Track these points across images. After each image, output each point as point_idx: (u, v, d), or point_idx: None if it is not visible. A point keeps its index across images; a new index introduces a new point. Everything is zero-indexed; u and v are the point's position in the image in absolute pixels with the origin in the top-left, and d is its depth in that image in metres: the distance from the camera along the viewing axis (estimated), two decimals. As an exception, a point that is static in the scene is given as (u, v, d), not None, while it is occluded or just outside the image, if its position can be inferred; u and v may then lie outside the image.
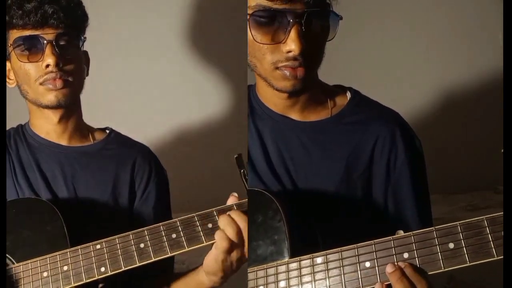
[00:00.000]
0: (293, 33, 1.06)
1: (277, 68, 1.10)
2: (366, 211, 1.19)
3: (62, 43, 1.25)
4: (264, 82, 1.15)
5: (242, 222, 1.11)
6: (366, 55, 2.13)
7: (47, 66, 1.23)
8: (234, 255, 1.12)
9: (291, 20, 1.05)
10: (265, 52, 1.10)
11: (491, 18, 2.04)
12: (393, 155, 1.19)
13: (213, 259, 1.12)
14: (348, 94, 1.25)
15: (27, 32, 1.24)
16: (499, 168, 0.95)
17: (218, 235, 1.11)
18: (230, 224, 1.10)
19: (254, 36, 1.08)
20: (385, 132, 1.20)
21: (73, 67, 1.27)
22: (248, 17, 1.08)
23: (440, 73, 2.18)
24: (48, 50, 1.23)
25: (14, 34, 1.25)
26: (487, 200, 2.07)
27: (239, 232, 1.10)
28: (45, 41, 1.23)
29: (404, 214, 1.19)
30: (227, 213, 1.12)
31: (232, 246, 1.10)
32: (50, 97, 1.25)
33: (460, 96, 2.18)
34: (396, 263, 0.98)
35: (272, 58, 1.09)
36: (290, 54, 1.07)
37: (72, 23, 1.27)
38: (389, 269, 0.98)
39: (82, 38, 1.30)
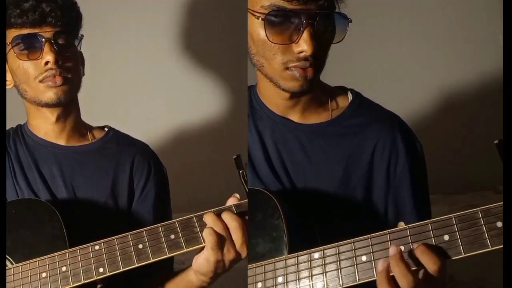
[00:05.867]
0: (305, 34, 1.06)
1: (287, 68, 1.10)
2: (365, 214, 1.19)
3: (60, 41, 1.25)
4: (270, 82, 1.15)
5: (232, 221, 1.10)
6: (367, 55, 2.14)
7: (46, 63, 1.23)
8: (226, 255, 1.11)
9: (304, 21, 1.05)
10: (275, 52, 1.09)
11: (491, 18, 2.04)
12: (393, 160, 1.19)
13: (205, 259, 1.12)
14: (350, 96, 1.24)
15: (25, 31, 1.24)
16: (499, 168, 0.94)
17: (205, 232, 1.10)
18: (216, 221, 1.10)
19: (268, 36, 1.08)
20: (385, 136, 1.19)
21: (71, 64, 1.27)
22: (263, 18, 1.07)
23: (440, 74, 2.18)
24: (47, 48, 1.23)
25: (12, 33, 1.25)
26: (487, 200, 2.06)
27: (226, 228, 1.10)
28: (43, 39, 1.23)
29: (404, 219, 1.17)
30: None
31: (222, 243, 1.10)
32: (50, 95, 1.25)
33: (460, 96, 2.18)
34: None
35: (283, 58, 1.09)
36: (302, 55, 1.07)
37: (69, 22, 1.27)
38: (390, 251, 0.96)
39: (79, 36, 1.30)
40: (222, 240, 1.10)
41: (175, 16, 2.03)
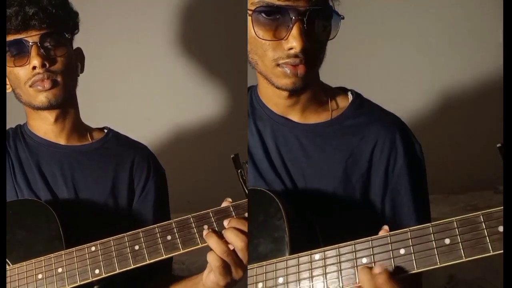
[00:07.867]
0: (294, 30, 1.05)
1: (278, 65, 1.09)
2: (364, 214, 1.18)
3: (46, 44, 1.24)
4: (265, 80, 1.15)
5: (236, 242, 1.07)
6: (366, 55, 2.14)
7: (34, 68, 1.23)
8: (235, 274, 1.09)
9: (293, 17, 1.05)
10: (266, 49, 1.09)
11: (491, 18, 2.04)
12: (392, 160, 1.18)
13: (215, 283, 1.10)
14: (350, 96, 1.24)
15: (12, 37, 1.23)
16: (499, 168, 0.94)
17: (211, 257, 1.08)
18: (219, 245, 1.07)
19: (256, 32, 1.07)
20: (384, 136, 1.19)
21: (61, 66, 1.26)
22: (250, 14, 1.07)
23: (440, 73, 2.18)
24: (33, 52, 1.22)
25: None
26: (487, 200, 2.07)
27: (229, 250, 1.07)
28: (29, 43, 1.22)
29: (402, 220, 1.18)
30: (226, 227, 1.09)
31: (227, 265, 1.08)
32: (41, 98, 1.25)
33: (460, 96, 2.18)
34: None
35: (274, 54, 1.09)
36: (291, 51, 1.07)
37: (56, 22, 1.25)
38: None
39: (67, 36, 1.28)
40: (227, 263, 1.08)
41: (175, 16, 2.03)
